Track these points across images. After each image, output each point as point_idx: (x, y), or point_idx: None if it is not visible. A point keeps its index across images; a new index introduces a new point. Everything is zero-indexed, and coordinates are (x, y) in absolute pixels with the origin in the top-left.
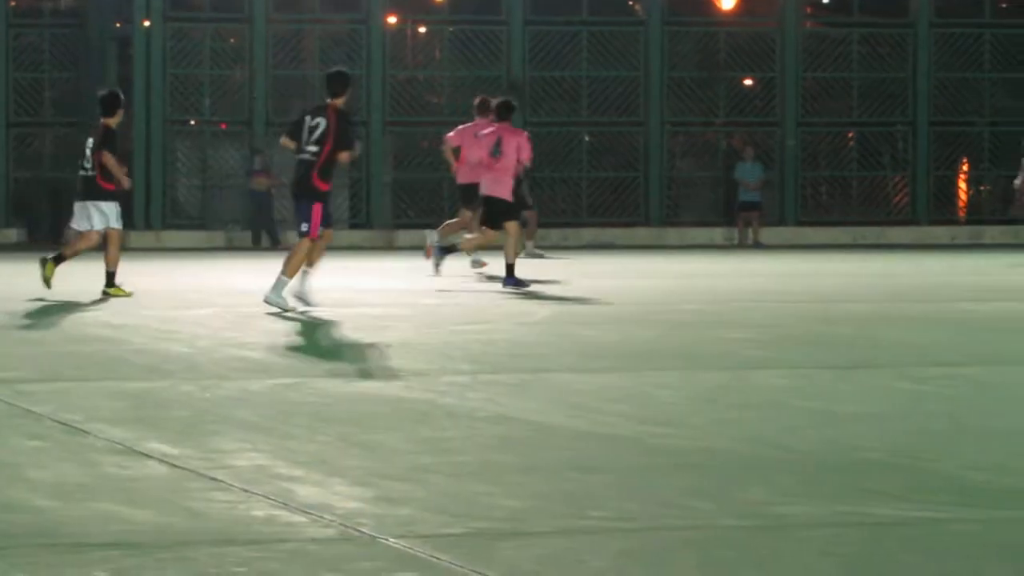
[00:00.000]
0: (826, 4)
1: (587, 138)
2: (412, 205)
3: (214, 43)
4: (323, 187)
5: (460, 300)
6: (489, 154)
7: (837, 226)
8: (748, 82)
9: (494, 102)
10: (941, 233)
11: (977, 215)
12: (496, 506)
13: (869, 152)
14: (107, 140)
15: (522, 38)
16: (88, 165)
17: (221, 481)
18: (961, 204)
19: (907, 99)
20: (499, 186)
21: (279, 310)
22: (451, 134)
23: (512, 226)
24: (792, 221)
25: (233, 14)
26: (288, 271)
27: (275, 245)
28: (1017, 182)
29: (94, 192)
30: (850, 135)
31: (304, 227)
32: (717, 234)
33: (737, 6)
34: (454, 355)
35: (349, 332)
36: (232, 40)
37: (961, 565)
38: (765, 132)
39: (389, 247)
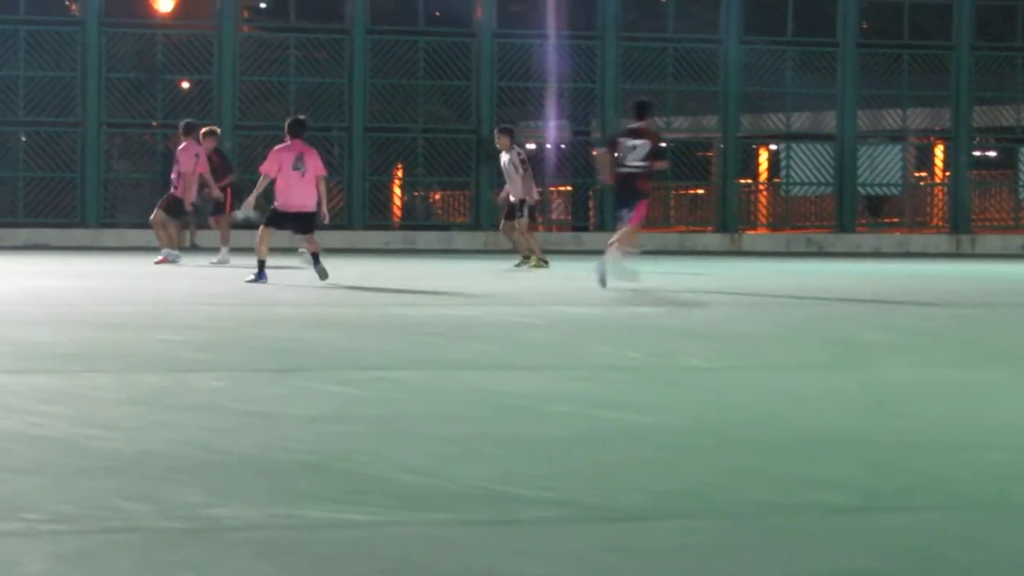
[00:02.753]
0: (263, 8)
1: (23, 138)
2: None
3: None
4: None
5: None
6: (292, 168)
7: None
8: (185, 84)
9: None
10: (375, 238)
11: (411, 220)
12: None
13: None
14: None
15: None
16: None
17: None
18: (396, 209)
19: (343, 105)
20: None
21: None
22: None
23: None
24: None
25: None
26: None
27: None
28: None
29: None
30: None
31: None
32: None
33: (175, 8)
34: None
35: None
36: None
37: (394, 565)
38: None
39: None
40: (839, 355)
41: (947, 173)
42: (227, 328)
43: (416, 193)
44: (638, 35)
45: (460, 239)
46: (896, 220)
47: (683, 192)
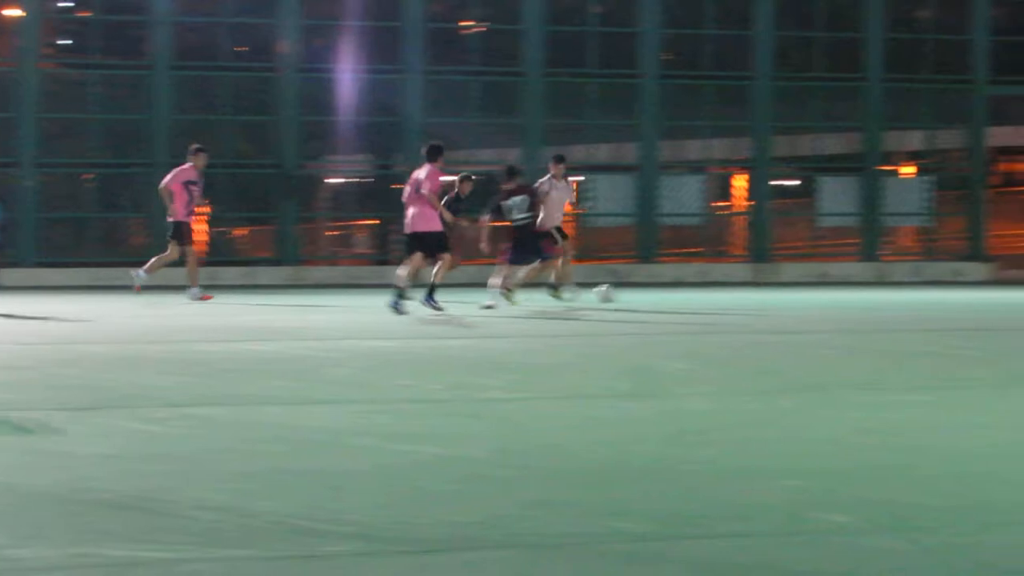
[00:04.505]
0: (65, 46)
1: None
2: None
3: None
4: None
5: None
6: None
7: (76, 267)
8: None
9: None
10: (180, 274)
11: (216, 256)
12: None
13: (108, 193)
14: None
15: None
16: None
17: None
18: (200, 245)
19: (146, 141)
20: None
21: None
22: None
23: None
24: (31, 262)
25: None
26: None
27: None
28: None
29: None
30: (88, 176)
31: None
32: None
33: None
34: None
35: None
36: None
37: None
38: (4, 173)
39: None
40: (640, 385)
41: (749, 202)
42: (28, 367)
43: (219, 229)
44: (442, 69)
45: (264, 275)
46: (699, 250)
47: (491, 225)
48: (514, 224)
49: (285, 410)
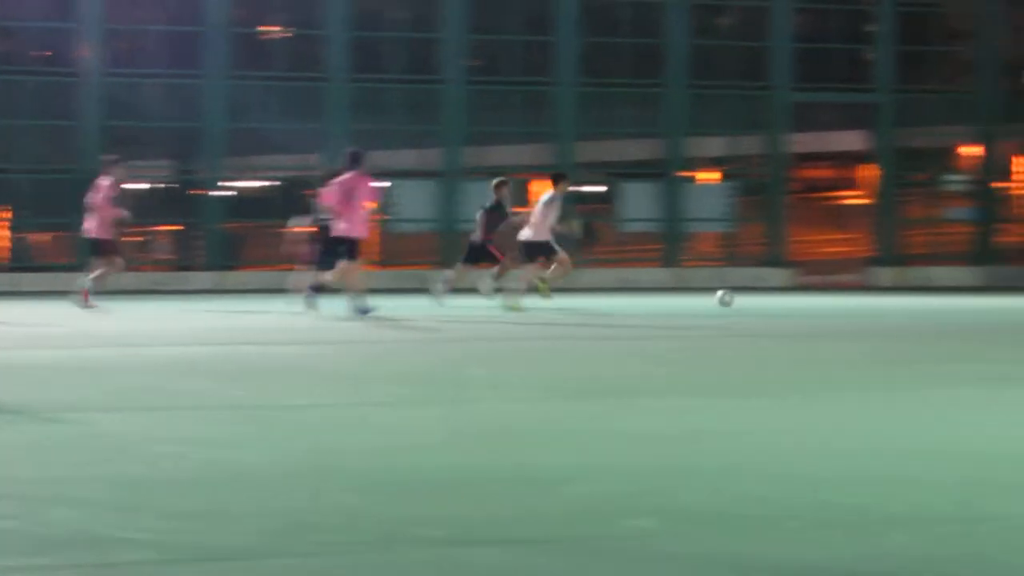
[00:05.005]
0: None
1: None
2: None
3: None
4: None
5: None
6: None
7: None
8: None
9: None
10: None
11: (17, 262)
12: None
13: None
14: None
15: None
16: None
17: None
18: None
19: None
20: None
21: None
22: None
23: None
24: None
25: None
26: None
27: None
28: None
29: None
30: None
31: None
32: None
33: None
34: None
35: None
36: None
37: None
38: None
39: None
40: (440, 392)
41: None
42: None
43: (19, 235)
44: (245, 74)
45: (64, 280)
46: (502, 257)
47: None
48: (320, 226)
49: (82, 416)
